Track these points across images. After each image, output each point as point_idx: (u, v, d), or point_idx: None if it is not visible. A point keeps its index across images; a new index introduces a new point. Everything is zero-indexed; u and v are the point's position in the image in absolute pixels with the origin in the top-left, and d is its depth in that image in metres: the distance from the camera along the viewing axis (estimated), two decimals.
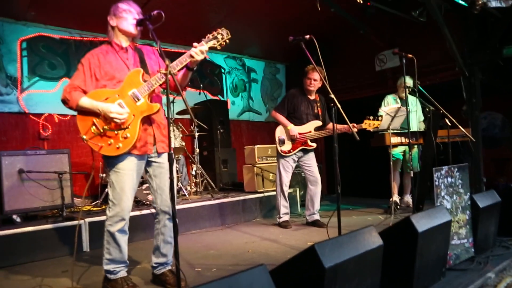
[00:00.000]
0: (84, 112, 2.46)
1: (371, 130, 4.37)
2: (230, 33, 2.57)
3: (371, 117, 4.33)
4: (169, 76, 2.14)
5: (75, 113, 2.53)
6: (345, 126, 4.06)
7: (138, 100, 2.48)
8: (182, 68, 2.57)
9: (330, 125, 4.62)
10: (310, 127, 4.57)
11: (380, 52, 7.09)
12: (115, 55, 2.59)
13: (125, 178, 2.50)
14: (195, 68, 2.64)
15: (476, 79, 5.46)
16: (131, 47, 2.66)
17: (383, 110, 4.79)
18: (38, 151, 4.29)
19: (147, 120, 2.57)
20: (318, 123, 4.61)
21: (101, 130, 2.43)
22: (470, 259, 2.81)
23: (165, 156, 2.62)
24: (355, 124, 4.16)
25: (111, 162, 2.52)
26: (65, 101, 2.48)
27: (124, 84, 2.50)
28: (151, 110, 2.51)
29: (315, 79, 4.50)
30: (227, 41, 2.58)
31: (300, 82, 4.73)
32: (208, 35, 2.58)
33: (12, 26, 5.39)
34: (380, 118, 4.36)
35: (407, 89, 4.91)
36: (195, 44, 2.51)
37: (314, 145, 4.59)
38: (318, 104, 4.68)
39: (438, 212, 2.44)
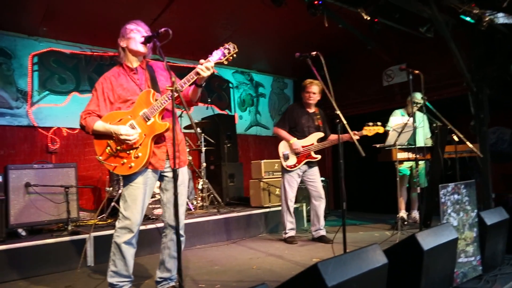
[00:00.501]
0: (100, 135, 2.55)
1: (371, 134, 4.39)
2: (238, 47, 2.60)
3: (371, 123, 4.38)
4: (175, 93, 2.18)
5: None
6: (346, 135, 4.06)
7: (149, 119, 2.54)
8: (191, 85, 2.60)
9: (331, 136, 4.66)
10: (312, 139, 4.58)
11: (388, 67, 7.10)
12: (126, 77, 2.64)
13: (137, 191, 2.55)
14: (203, 84, 2.67)
15: (483, 95, 5.43)
16: (142, 66, 2.70)
17: (390, 126, 4.79)
18: (45, 165, 4.33)
19: (160, 138, 2.62)
20: (320, 134, 4.63)
21: (114, 151, 2.53)
22: (477, 277, 2.75)
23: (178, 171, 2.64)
24: (356, 132, 4.15)
25: (128, 177, 2.58)
26: (82, 127, 2.60)
27: (136, 105, 2.57)
28: (162, 128, 2.55)
29: (314, 92, 4.58)
30: (234, 55, 2.61)
31: None
32: (215, 50, 2.61)
33: (24, 41, 5.50)
34: (379, 123, 4.41)
35: (415, 106, 4.93)
36: (201, 61, 2.54)
37: (319, 156, 4.60)
38: (318, 117, 4.71)
39: (444, 229, 2.40)
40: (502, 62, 5.30)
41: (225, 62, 2.60)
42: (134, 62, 2.67)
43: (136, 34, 2.59)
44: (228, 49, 2.58)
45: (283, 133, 4.61)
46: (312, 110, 4.71)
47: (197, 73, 2.52)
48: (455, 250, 2.46)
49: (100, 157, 2.55)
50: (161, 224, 3.20)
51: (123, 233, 2.53)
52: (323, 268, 1.68)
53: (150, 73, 2.70)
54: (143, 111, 2.54)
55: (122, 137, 2.47)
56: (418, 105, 4.89)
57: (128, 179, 2.57)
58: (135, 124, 2.51)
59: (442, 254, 2.29)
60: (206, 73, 2.52)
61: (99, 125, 2.53)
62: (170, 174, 2.67)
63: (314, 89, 4.57)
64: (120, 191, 4.52)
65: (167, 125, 2.54)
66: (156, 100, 2.55)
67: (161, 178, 2.71)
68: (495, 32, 5.37)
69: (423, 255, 2.12)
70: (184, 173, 2.72)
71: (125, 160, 2.50)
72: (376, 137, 5.30)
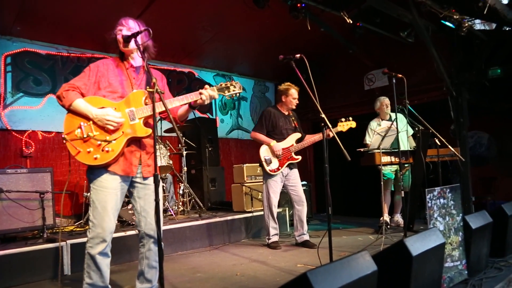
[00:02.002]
0: (75, 113, 2.39)
1: (346, 128, 4.48)
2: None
3: (343, 119, 4.49)
4: (156, 94, 2.09)
5: (60, 130, 2.45)
6: (325, 131, 4.09)
7: (133, 119, 2.42)
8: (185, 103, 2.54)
9: (307, 136, 4.69)
10: (291, 140, 4.60)
11: (369, 71, 7.16)
12: (124, 71, 2.55)
13: (108, 197, 2.39)
14: (196, 108, 2.60)
15: (463, 99, 5.52)
16: (143, 68, 2.59)
17: (375, 131, 4.80)
18: (19, 170, 4.15)
19: (136, 143, 2.49)
20: (298, 135, 4.65)
21: (85, 136, 2.35)
22: (463, 281, 2.74)
23: (151, 178, 2.54)
24: (331, 128, 4.16)
25: (92, 178, 2.42)
26: (59, 97, 2.40)
27: (124, 101, 2.45)
28: (143, 133, 2.44)
29: (296, 97, 4.65)
30: (237, 94, 2.61)
31: None
32: (222, 83, 2.58)
33: None
34: (351, 118, 4.53)
35: (389, 108, 5.05)
36: (206, 86, 2.49)
37: (299, 157, 4.62)
38: (293, 119, 4.74)
39: (432, 234, 2.38)
40: (480, 67, 5.40)
41: (228, 98, 2.65)
42: (134, 61, 2.58)
43: (118, 35, 2.51)
44: (234, 86, 2.58)
45: (262, 136, 4.58)
46: (287, 112, 4.74)
47: (200, 94, 2.47)
48: (442, 255, 2.44)
49: (66, 136, 2.35)
50: None
51: (96, 243, 2.36)
52: (313, 277, 1.62)
53: (147, 78, 2.61)
54: (130, 109, 2.43)
55: (108, 117, 2.32)
56: (389, 107, 5.18)
57: (94, 180, 2.41)
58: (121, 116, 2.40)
59: (430, 259, 2.27)
60: (207, 101, 2.48)
61: (81, 103, 2.36)
62: (141, 181, 2.53)
63: (296, 94, 4.63)
64: None
65: (148, 132, 2.44)
66: (146, 104, 2.46)
67: (131, 185, 2.55)
68: (474, 38, 5.47)
69: (412, 261, 2.09)
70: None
71: (91, 149, 2.34)
72: (360, 141, 5.34)
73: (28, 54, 5.55)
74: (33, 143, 5.48)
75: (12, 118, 5.36)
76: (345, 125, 4.48)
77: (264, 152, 4.55)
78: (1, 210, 3.92)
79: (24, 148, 5.39)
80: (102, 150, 2.35)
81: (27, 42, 5.54)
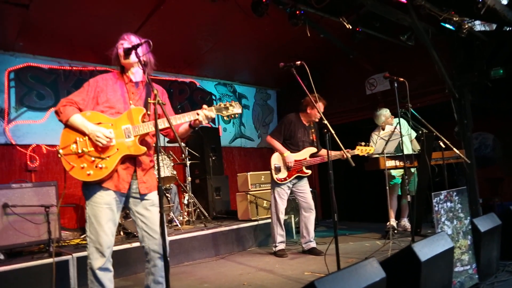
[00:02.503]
0: (71, 128, 2.39)
1: (365, 155, 4.34)
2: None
3: (363, 143, 4.32)
4: (157, 105, 2.09)
5: None
6: (339, 152, 4.01)
7: (129, 137, 2.41)
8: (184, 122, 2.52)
9: (322, 152, 4.59)
10: (305, 154, 4.52)
11: (369, 76, 7.15)
12: (123, 86, 2.53)
13: (102, 212, 2.37)
14: (196, 128, 2.59)
15: (466, 101, 5.49)
16: (143, 83, 2.59)
17: (379, 136, 4.79)
18: (24, 184, 4.14)
19: (131, 160, 2.47)
20: (313, 149, 4.57)
21: (79, 151, 2.34)
22: (474, 286, 2.71)
23: (150, 195, 2.52)
24: (349, 150, 4.13)
25: (87, 194, 2.41)
26: (57, 113, 2.40)
27: (121, 117, 2.43)
28: (137, 151, 2.42)
29: (322, 110, 4.29)
30: (236, 116, 2.59)
31: (292, 107, 4.71)
32: (221, 103, 2.56)
33: None
34: (371, 144, 4.43)
35: (390, 118, 5.05)
36: (204, 106, 2.47)
37: (309, 172, 4.54)
38: (313, 131, 4.65)
39: (440, 239, 2.36)
40: (482, 68, 5.38)
41: (226, 118, 2.60)
42: (134, 76, 2.56)
43: (120, 49, 2.51)
44: (233, 106, 2.54)
45: (277, 144, 4.52)
46: (307, 123, 4.65)
47: (197, 115, 2.44)
48: (451, 259, 2.41)
49: (61, 150, 2.34)
50: None
51: (95, 258, 2.35)
52: (320, 286, 1.61)
53: (146, 93, 2.60)
54: (127, 126, 2.41)
55: (98, 133, 2.31)
56: (391, 118, 5.21)
57: (89, 196, 2.40)
58: (113, 134, 2.38)
59: (439, 264, 2.24)
60: (204, 122, 2.47)
61: (78, 119, 2.36)
62: (140, 197, 2.49)
63: (323, 108, 4.35)
64: None
65: (143, 150, 2.43)
66: (143, 122, 2.44)
67: (129, 202, 2.52)
68: (474, 39, 5.46)
69: (420, 266, 2.07)
70: (155, 195, 2.57)
71: (85, 165, 2.33)
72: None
73: (31, 69, 5.59)
74: (37, 157, 5.50)
75: (17, 132, 5.39)
76: (364, 149, 4.28)
77: (275, 159, 4.50)
78: (7, 225, 3.91)
79: (28, 162, 5.41)
80: (96, 167, 2.34)
81: (29, 57, 5.59)
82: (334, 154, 4.14)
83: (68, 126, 2.40)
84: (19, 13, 4.66)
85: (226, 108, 2.53)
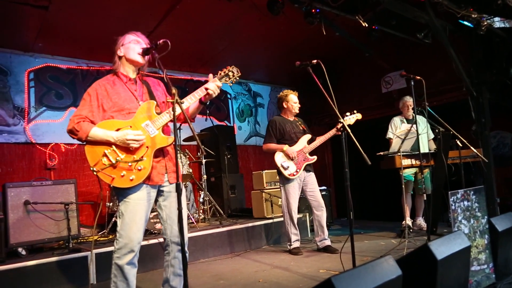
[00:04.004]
0: (94, 142, 2.38)
1: (351, 124, 4.43)
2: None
3: (348, 113, 4.48)
4: (176, 104, 2.12)
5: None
6: (332, 131, 4.38)
7: (153, 132, 2.45)
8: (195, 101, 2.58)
9: (318, 137, 4.67)
10: (303, 142, 4.62)
11: (386, 74, 7.10)
12: (123, 86, 2.56)
13: (136, 207, 2.42)
14: (207, 103, 2.65)
15: (484, 99, 5.40)
16: (139, 78, 2.65)
17: (394, 133, 4.75)
18: (44, 182, 4.26)
19: (160, 152, 2.53)
20: (308, 136, 4.68)
21: (113, 161, 2.34)
22: (491, 285, 2.69)
23: (172, 185, 2.57)
24: (337, 126, 4.30)
25: (122, 192, 2.43)
26: (73, 132, 2.39)
27: (137, 116, 2.46)
28: (165, 142, 2.48)
29: (296, 101, 4.73)
30: (237, 78, 2.66)
31: (307, 104, 4.73)
32: (220, 71, 2.63)
33: (20, 57, 5.47)
34: (355, 111, 4.54)
35: (412, 109, 4.97)
36: (210, 75, 2.51)
37: (315, 157, 4.64)
38: (300, 123, 4.78)
39: (457, 237, 2.34)
40: (501, 66, 5.29)
41: (230, 84, 2.70)
42: (131, 72, 2.61)
43: (136, 45, 2.55)
44: (232, 71, 2.64)
45: (273, 145, 4.61)
46: (292, 118, 4.77)
47: (206, 89, 2.51)
48: (468, 258, 2.39)
49: (94, 168, 2.32)
50: None
51: (124, 253, 2.38)
52: (337, 283, 1.62)
53: (147, 86, 2.65)
54: (146, 123, 2.45)
55: (128, 136, 2.32)
56: (412, 108, 5.06)
57: (125, 194, 2.42)
58: (141, 132, 2.42)
59: (455, 263, 2.23)
60: (216, 93, 2.54)
61: (98, 131, 2.35)
62: (168, 189, 2.56)
63: (296, 99, 4.71)
64: None
65: (170, 139, 2.48)
66: (158, 113, 2.49)
67: (158, 193, 2.57)
68: (493, 36, 5.37)
69: (437, 265, 2.06)
70: (173, 186, 2.62)
71: (124, 172, 2.35)
72: (379, 145, 5.29)
73: (49, 69, 5.71)
74: (56, 156, 5.62)
75: (36, 131, 5.52)
76: (352, 117, 4.48)
77: (279, 158, 4.54)
78: (29, 221, 4.02)
79: (48, 161, 5.53)
80: (135, 170, 2.37)
81: (48, 58, 5.71)
82: (330, 131, 4.45)
83: (89, 141, 2.39)
84: (38, 15, 4.77)
85: (227, 75, 2.63)
